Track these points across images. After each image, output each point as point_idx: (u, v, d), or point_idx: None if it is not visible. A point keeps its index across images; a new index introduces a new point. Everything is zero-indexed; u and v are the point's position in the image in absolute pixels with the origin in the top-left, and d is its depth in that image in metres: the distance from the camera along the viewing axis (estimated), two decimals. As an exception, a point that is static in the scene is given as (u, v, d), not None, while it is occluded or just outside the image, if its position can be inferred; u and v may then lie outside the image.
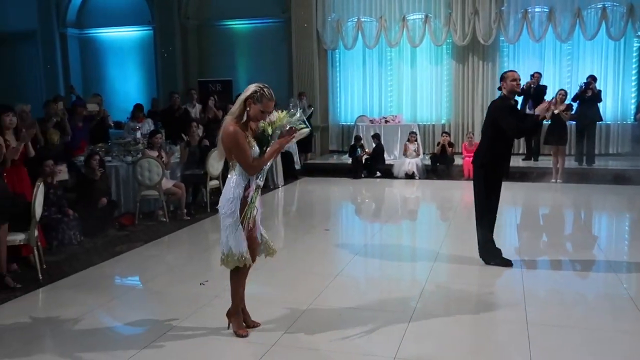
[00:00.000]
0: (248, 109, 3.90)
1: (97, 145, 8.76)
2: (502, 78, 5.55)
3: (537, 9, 12.42)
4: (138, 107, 10.10)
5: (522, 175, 11.15)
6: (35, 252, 5.45)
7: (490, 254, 5.77)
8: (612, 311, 4.67)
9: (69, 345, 4.11)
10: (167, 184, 7.96)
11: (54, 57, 14.88)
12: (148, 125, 10.10)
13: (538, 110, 5.43)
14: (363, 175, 11.50)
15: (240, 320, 4.22)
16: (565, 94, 10.78)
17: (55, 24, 14.87)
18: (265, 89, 3.89)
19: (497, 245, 5.81)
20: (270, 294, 5.09)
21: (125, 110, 11.07)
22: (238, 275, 4.14)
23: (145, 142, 8.61)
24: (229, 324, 4.24)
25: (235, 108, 3.98)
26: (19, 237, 5.38)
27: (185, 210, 8.09)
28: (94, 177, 7.14)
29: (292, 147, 12.02)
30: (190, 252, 6.84)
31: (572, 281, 5.58)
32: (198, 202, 8.81)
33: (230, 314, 4.24)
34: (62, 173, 6.84)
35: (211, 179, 8.56)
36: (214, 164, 8.49)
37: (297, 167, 12.14)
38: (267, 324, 4.40)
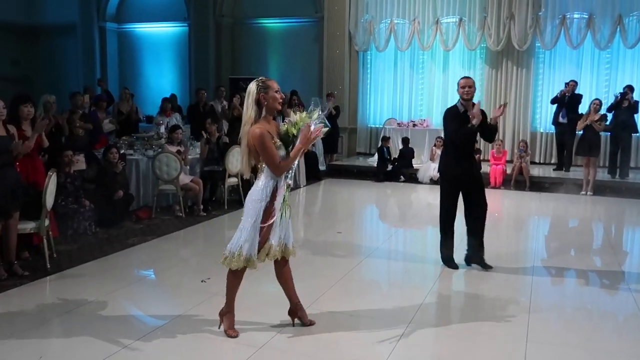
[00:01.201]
0: (265, 102, 3.94)
1: (122, 138, 8.91)
2: (458, 85, 5.68)
3: (575, 15, 12.05)
4: (166, 101, 10.21)
5: (552, 186, 10.85)
6: (45, 241, 5.54)
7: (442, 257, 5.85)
8: (619, 332, 4.47)
9: (57, 333, 4.17)
10: (185, 179, 8.02)
11: (92, 50, 15.23)
12: (175, 120, 10.25)
13: (471, 115, 5.42)
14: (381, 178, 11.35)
15: (232, 320, 4.20)
16: (600, 103, 10.43)
17: (95, 18, 15.21)
18: (261, 78, 4.03)
19: (479, 252, 5.78)
20: (270, 294, 5.05)
21: (159, 105, 11.20)
22: (236, 275, 4.12)
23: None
24: (220, 324, 4.22)
25: (248, 114, 3.95)
26: (29, 226, 5.49)
27: (202, 207, 8.13)
28: (115, 170, 7.23)
29: (318, 147, 12.01)
30: (201, 248, 6.90)
31: (585, 298, 5.38)
32: (216, 199, 8.85)
33: (222, 313, 4.22)
34: (80, 163, 6.97)
35: (230, 176, 8.59)
36: (234, 161, 8.52)
37: (322, 167, 12.10)
38: (260, 324, 4.38)
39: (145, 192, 8.27)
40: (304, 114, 4.05)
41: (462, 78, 5.76)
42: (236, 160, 8.56)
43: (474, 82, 5.71)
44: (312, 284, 5.30)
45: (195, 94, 11.42)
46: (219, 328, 4.22)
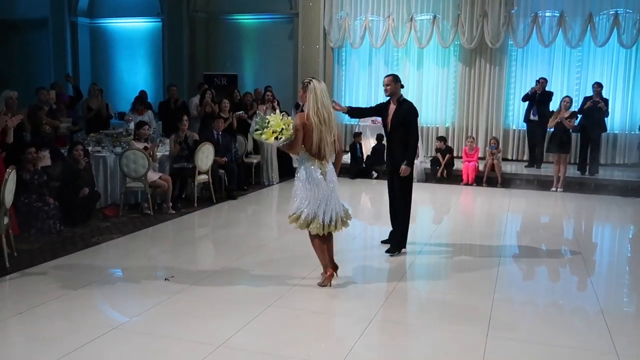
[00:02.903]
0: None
1: (89, 135, 8.77)
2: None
3: (547, 13, 12.15)
4: (137, 99, 10.08)
5: (523, 183, 10.94)
6: (4, 240, 5.43)
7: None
8: (581, 327, 4.51)
9: (13, 333, 4.09)
10: (154, 176, 7.93)
11: (64, 45, 14.96)
12: (148, 117, 10.11)
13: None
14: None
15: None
16: (570, 100, 10.53)
17: (66, 13, 14.94)
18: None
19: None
20: (235, 292, 5.02)
21: (131, 102, 11.03)
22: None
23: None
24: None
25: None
26: (-14, 224, 5.37)
27: (170, 204, 8.05)
28: (78, 166, 7.12)
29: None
30: (169, 246, 6.79)
31: (549, 293, 5.44)
32: (187, 197, 8.75)
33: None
34: (45, 159, 6.84)
35: (200, 173, 8.50)
36: (203, 158, 8.45)
37: (295, 165, 12.02)
38: (221, 322, 4.33)
39: (113, 190, 8.16)
40: (279, 116, 4.80)
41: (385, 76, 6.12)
42: (206, 157, 8.51)
43: (391, 80, 6.00)
44: (273, 283, 5.27)
45: (166, 91, 11.28)
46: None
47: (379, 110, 6.31)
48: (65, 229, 6.84)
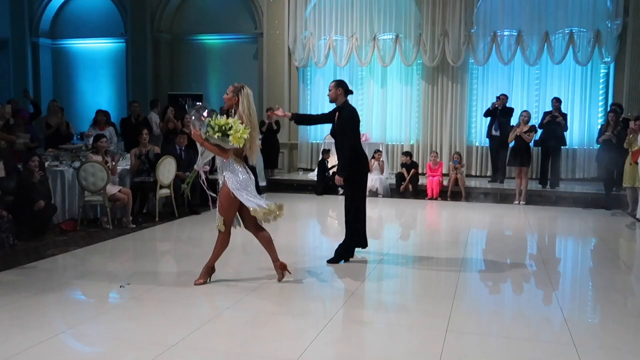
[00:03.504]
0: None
1: (47, 150, 8.58)
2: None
3: (505, 32, 12.48)
4: (99, 113, 9.95)
5: (487, 196, 11.08)
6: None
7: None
8: (533, 324, 4.51)
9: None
10: (113, 189, 7.77)
11: (24, 65, 14.75)
12: (109, 134, 9.95)
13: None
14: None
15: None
16: (528, 115, 10.74)
17: (27, 33, 14.77)
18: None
19: None
20: (192, 297, 4.90)
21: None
22: None
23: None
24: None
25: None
26: None
27: (131, 218, 7.88)
28: (33, 179, 6.93)
29: (258, 163, 11.91)
30: (126, 258, 6.62)
31: (507, 297, 5.44)
32: (149, 212, 8.59)
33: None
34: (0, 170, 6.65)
35: (162, 187, 8.37)
36: (165, 172, 8.33)
37: (263, 183, 11.97)
38: (178, 324, 4.21)
39: (71, 205, 7.95)
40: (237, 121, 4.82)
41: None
42: (167, 171, 8.39)
43: (332, 85, 5.95)
44: (229, 290, 5.17)
45: (128, 107, 11.16)
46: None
47: (328, 117, 6.11)
48: (20, 243, 6.63)
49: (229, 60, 14.18)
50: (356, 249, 6.25)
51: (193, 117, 4.97)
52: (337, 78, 13.24)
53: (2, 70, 14.86)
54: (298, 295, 5.05)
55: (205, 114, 4.91)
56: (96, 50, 14.93)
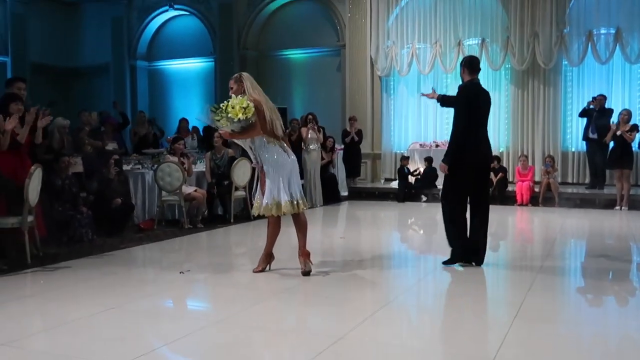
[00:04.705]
0: None
1: (132, 155, 8.93)
2: None
3: (602, 30, 11.64)
4: (183, 121, 10.30)
5: (582, 202, 10.23)
6: (27, 237, 5.45)
7: None
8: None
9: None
10: (188, 189, 7.90)
11: (123, 87, 15.67)
12: (190, 139, 10.28)
13: None
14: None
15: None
16: (629, 113, 9.89)
17: (126, 57, 15.71)
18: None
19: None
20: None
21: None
22: None
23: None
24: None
25: None
26: (10, 221, 5.43)
27: (199, 218, 7.96)
28: (109, 175, 7.19)
29: (340, 172, 11.79)
30: (189, 254, 6.62)
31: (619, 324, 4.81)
32: (225, 214, 8.63)
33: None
34: (77, 165, 6.98)
35: (237, 189, 8.42)
36: (240, 174, 8.39)
37: (344, 192, 11.82)
38: (164, 330, 3.98)
39: (151, 206, 8.18)
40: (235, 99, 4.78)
41: None
42: (242, 173, 8.44)
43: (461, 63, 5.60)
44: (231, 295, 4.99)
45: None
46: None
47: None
48: (98, 239, 6.85)
49: (313, 73, 14.28)
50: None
51: (209, 121, 5.03)
52: (421, 86, 13.17)
53: (104, 92, 15.83)
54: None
55: (210, 112, 4.94)
56: (188, 70, 15.60)
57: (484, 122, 5.45)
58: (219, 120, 4.77)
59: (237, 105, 4.65)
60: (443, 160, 5.31)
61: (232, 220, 8.32)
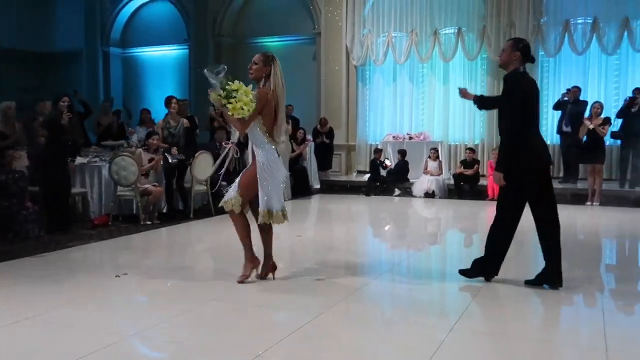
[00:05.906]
0: None
1: (92, 147, 8.69)
2: None
3: (579, 20, 11.45)
4: (145, 112, 10.03)
5: (556, 197, 10.05)
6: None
7: None
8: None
9: None
10: (145, 184, 7.67)
11: (97, 74, 15.35)
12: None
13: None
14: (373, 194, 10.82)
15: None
16: (601, 106, 9.73)
17: (99, 44, 15.38)
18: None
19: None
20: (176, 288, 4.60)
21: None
22: None
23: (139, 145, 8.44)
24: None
25: None
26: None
27: (156, 214, 7.73)
28: (62, 121, 6.90)
29: (311, 164, 11.55)
30: (134, 253, 6.40)
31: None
32: (185, 209, 8.40)
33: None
34: (22, 159, 6.74)
35: (198, 183, 8.20)
36: (201, 168, 8.16)
37: (317, 185, 11.61)
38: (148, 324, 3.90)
39: (107, 201, 7.93)
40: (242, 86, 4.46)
41: None
42: (203, 167, 8.21)
43: (508, 45, 4.53)
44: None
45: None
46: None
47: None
48: (47, 236, 6.61)
49: (288, 61, 13.73)
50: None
51: (209, 78, 4.55)
52: (397, 76, 12.96)
53: (77, 79, 15.49)
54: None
55: (222, 75, 4.53)
56: (162, 57, 15.30)
57: (538, 118, 4.74)
58: (223, 89, 4.40)
59: (239, 104, 4.33)
60: (496, 169, 4.58)
61: (191, 216, 8.10)
